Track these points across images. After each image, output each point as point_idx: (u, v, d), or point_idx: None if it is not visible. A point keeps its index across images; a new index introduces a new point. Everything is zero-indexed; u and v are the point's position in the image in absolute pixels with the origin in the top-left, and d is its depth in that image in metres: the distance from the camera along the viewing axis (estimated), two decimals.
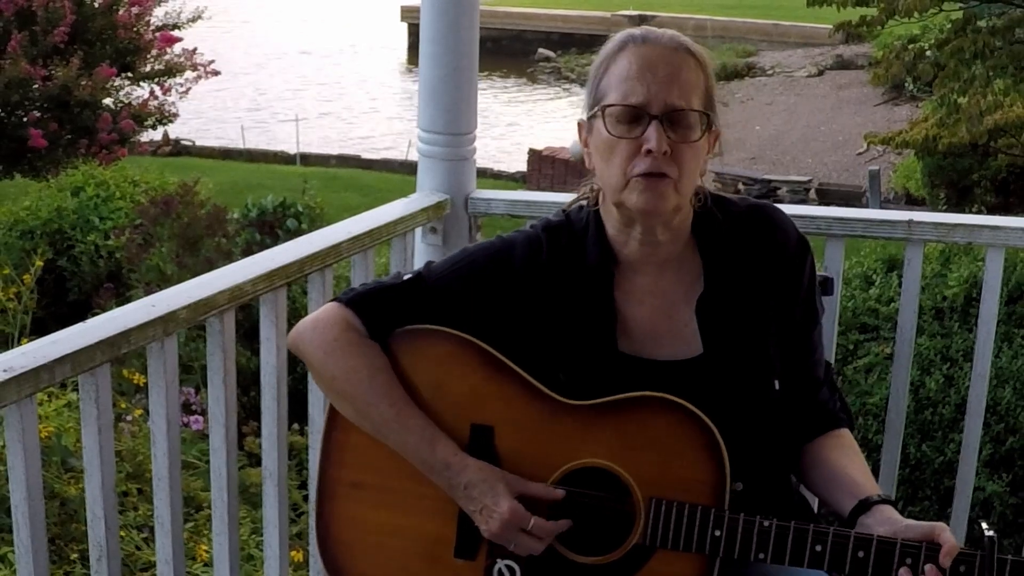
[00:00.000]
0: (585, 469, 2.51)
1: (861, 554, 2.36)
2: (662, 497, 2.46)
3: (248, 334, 3.94)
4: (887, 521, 2.41)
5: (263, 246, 7.66)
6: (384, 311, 2.64)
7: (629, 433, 2.49)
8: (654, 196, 2.49)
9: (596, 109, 2.56)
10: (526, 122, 27.03)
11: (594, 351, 2.60)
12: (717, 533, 2.44)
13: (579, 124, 2.66)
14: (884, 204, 16.27)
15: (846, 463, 2.64)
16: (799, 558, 2.40)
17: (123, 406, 5.33)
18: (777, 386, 2.64)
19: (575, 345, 2.60)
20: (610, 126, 2.52)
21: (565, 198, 3.73)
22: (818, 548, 2.39)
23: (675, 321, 2.63)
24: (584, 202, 2.74)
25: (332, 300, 2.69)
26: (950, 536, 2.34)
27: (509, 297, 2.63)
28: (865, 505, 2.47)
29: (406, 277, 2.70)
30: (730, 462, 2.46)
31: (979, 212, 13.56)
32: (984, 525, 2.35)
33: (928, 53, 12.39)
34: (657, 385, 2.50)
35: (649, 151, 2.46)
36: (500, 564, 2.56)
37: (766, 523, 2.41)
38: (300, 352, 2.69)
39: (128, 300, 6.86)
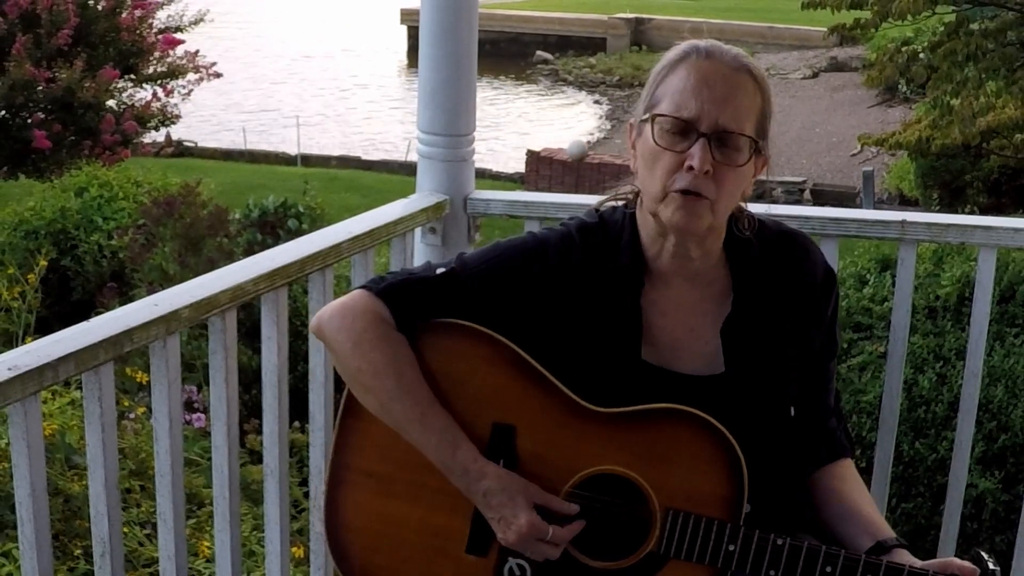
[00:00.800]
0: (604, 475, 2.50)
1: None
2: (679, 508, 2.46)
3: (249, 333, 3.94)
4: None
5: (264, 246, 7.66)
6: (415, 304, 2.60)
7: (650, 443, 2.49)
8: (688, 214, 2.47)
9: (647, 115, 2.52)
10: (524, 123, 27.04)
11: (618, 357, 2.58)
12: (731, 547, 2.44)
13: (629, 125, 2.63)
14: (878, 204, 16.28)
15: (857, 498, 2.66)
16: None
17: (126, 404, 5.33)
18: (792, 412, 2.64)
19: (600, 349, 2.58)
20: (657, 135, 2.49)
21: (563, 199, 3.76)
22: (828, 569, 2.39)
23: (696, 335, 2.62)
24: (619, 203, 2.71)
25: (361, 288, 2.64)
26: (963, 563, 2.35)
27: (539, 296, 2.60)
28: (882, 548, 2.48)
29: (439, 271, 2.64)
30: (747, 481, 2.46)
31: (972, 213, 13.56)
32: (985, 555, 2.35)
33: (921, 55, 12.39)
34: (677, 397, 2.49)
35: (691, 168, 2.43)
36: (512, 563, 2.55)
37: (780, 541, 2.42)
38: (325, 339, 2.65)
39: (131, 299, 6.87)
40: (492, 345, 2.58)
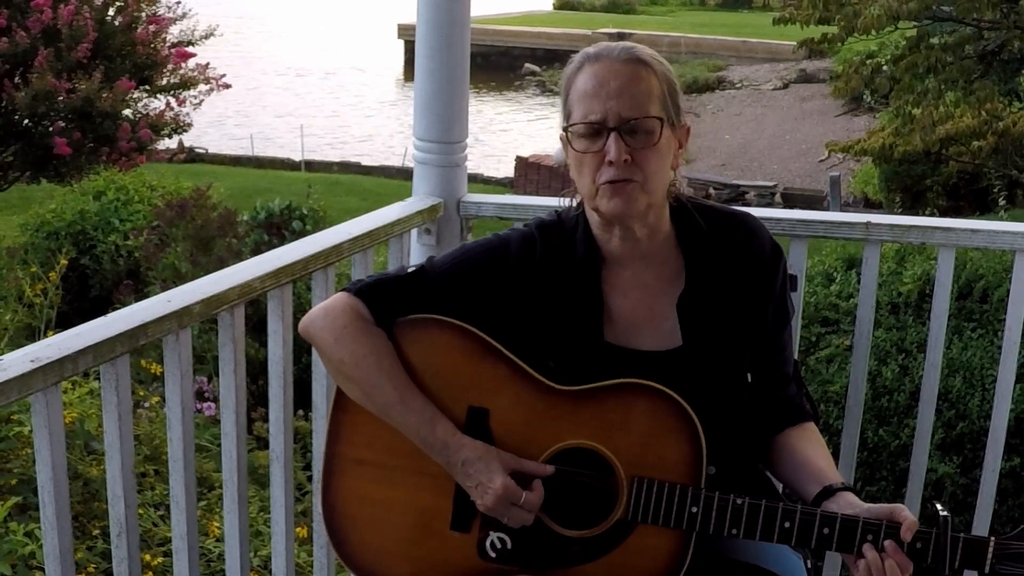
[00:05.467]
0: (573, 449, 2.51)
1: (826, 531, 2.37)
2: (643, 476, 2.47)
3: (257, 327, 3.94)
4: (849, 506, 2.43)
5: (270, 246, 7.65)
6: (389, 301, 2.63)
7: (614, 416, 2.50)
8: (622, 200, 2.51)
9: (564, 127, 2.59)
10: (513, 131, 27.04)
11: (582, 340, 2.60)
12: (694, 510, 2.44)
13: (560, 138, 2.66)
14: (844, 207, 16.33)
15: (811, 453, 2.65)
16: (769, 534, 2.41)
17: (141, 394, 5.32)
18: (750, 379, 2.65)
19: (565, 335, 2.60)
20: (575, 143, 2.55)
21: (550, 202, 3.73)
22: (786, 525, 2.40)
23: (655, 313, 2.63)
24: (574, 202, 2.74)
25: (341, 290, 2.68)
26: (909, 514, 2.35)
27: (504, 290, 2.63)
28: (829, 491, 2.48)
29: (410, 270, 2.70)
30: (705, 446, 2.46)
31: (932, 215, 13.58)
32: (938, 506, 2.36)
33: (885, 68, 12.44)
34: (639, 373, 2.50)
35: (611, 162, 2.48)
36: (492, 536, 2.56)
37: (739, 501, 2.42)
38: (311, 338, 2.68)
39: (146, 296, 6.86)
40: (464, 335, 2.60)
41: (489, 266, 2.66)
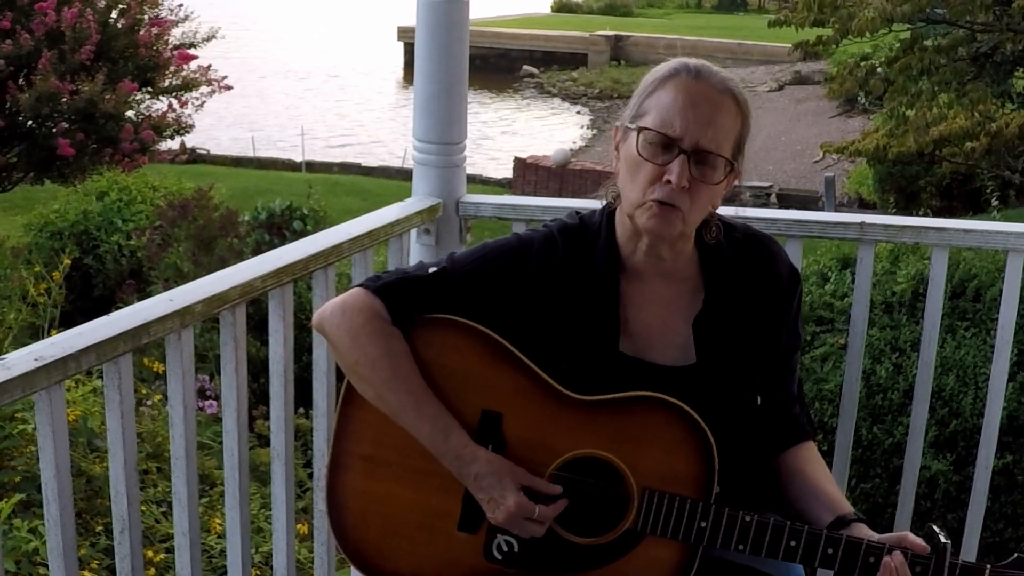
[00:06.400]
0: (585, 458, 2.50)
1: (830, 551, 2.39)
2: (654, 488, 2.46)
3: (258, 326, 3.94)
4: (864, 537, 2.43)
5: (271, 246, 7.65)
6: (408, 300, 2.59)
7: (627, 428, 2.48)
8: (662, 223, 2.47)
9: (634, 125, 2.52)
10: (511, 132, 27.03)
11: (597, 349, 2.58)
12: (703, 524, 2.44)
13: (615, 128, 2.61)
14: (839, 208, 16.30)
15: (820, 478, 2.65)
16: (775, 551, 2.42)
17: (144, 392, 5.33)
18: (759, 401, 2.65)
19: (580, 342, 2.58)
20: (642, 147, 2.48)
21: (548, 202, 3.76)
22: (792, 543, 2.40)
23: (670, 329, 2.62)
24: (601, 203, 2.71)
25: (358, 286, 2.63)
26: (917, 540, 2.37)
27: (523, 292, 2.60)
28: (842, 522, 2.48)
29: (431, 270, 2.64)
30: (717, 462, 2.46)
31: (925, 215, 13.58)
32: (936, 529, 2.36)
33: (879, 70, 12.43)
34: (652, 386, 2.49)
35: (669, 181, 2.44)
36: (500, 539, 2.55)
37: (747, 518, 2.42)
38: (325, 334, 2.64)
39: (148, 295, 6.86)
40: (481, 338, 2.57)
41: (509, 267, 2.62)
